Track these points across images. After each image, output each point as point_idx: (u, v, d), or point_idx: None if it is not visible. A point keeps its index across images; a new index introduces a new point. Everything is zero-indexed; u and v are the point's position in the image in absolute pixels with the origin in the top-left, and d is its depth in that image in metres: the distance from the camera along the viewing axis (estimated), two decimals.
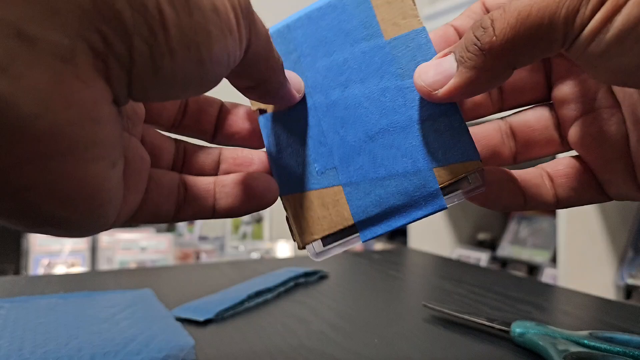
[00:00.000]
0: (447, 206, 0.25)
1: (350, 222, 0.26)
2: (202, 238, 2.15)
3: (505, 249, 1.62)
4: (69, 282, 0.57)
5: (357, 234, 0.26)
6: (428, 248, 1.70)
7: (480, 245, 1.75)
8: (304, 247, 0.27)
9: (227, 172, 0.28)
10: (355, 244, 0.26)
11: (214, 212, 0.27)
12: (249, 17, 0.21)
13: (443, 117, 0.25)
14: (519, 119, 0.29)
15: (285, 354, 0.36)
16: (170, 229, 2.15)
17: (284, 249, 2.09)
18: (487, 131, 0.29)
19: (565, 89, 0.27)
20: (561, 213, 1.20)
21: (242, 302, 0.46)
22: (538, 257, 1.51)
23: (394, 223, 0.25)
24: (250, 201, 0.26)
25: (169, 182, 0.26)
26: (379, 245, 2.06)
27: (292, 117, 0.28)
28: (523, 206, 0.27)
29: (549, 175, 0.27)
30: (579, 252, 1.20)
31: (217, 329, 0.41)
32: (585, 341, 0.33)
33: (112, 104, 0.18)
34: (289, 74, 0.27)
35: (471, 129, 0.28)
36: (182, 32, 0.18)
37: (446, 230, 1.79)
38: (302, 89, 0.28)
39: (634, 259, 1.23)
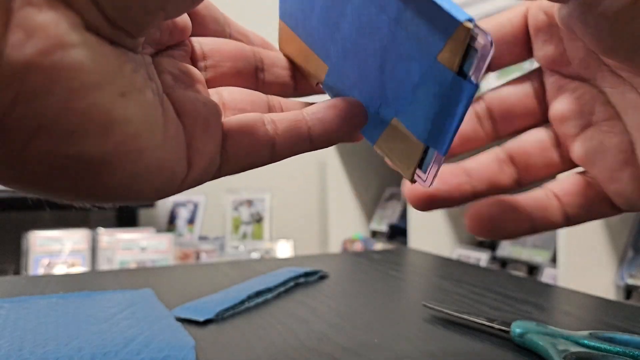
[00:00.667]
0: (475, 83, 0.22)
1: (422, 146, 0.25)
2: (202, 238, 2.15)
3: (505, 249, 1.62)
4: (69, 282, 0.57)
5: (435, 151, 0.25)
6: (428, 248, 1.70)
7: (480, 245, 1.75)
8: (414, 181, 0.26)
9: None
10: (440, 160, 0.25)
11: (311, 142, 0.25)
12: None
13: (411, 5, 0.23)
14: (515, 145, 0.28)
15: (286, 353, 0.36)
16: (170, 229, 2.15)
17: (284, 248, 2.10)
18: (484, 162, 0.28)
19: (561, 107, 0.27)
20: None
21: (242, 302, 0.46)
22: (538, 257, 1.51)
23: (450, 125, 0.23)
24: (344, 124, 0.25)
25: (253, 125, 0.24)
26: (379, 246, 2.06)
27: (338, 72, 0.27)
28: (530, 231, 0.27)
29: (556, 195, 0.27)
30: (579, 252, 1.20)
31: (217, 329, 0.41)
32: (585, 341, 0.33)
33: (84, 29, 0.17)
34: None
35: (467, 161, 0.28)
36: None
37: (446, 230, 1.79)
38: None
39: (634, 259, 1.23)
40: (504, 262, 1.61)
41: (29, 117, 0.16)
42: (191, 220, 2.19)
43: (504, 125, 0.28)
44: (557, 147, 0.28)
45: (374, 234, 2.21)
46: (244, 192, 2.18)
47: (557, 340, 0.34)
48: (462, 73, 0.22)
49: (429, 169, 0.25)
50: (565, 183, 0.27)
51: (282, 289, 0.52)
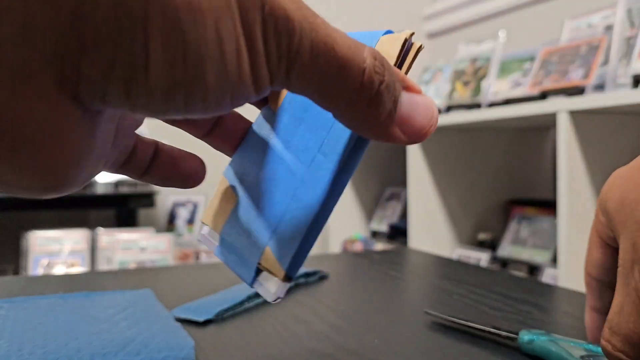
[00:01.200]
0: (252, 285, 0.25)
1: (219, 231, 0.27)
2: None
3: (506, 249, 1.62)
4: (68, 283, 0.57)
5: (216, 243, 0.27)
6: (428, 248, 1.70)
7: (481, 245, 1.75)
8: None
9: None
10: (210, 247, 0.28)
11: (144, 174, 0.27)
12: (283, 55, 0.18)
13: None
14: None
15: (285, 354, 0.36)
16: (170, 229, 2.15)
17: None
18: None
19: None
20: (562, 213, 1.20)
21: (241, 303, 0.46)
22: (538, 257, 1.51)
23: (225, 259, 0.27)
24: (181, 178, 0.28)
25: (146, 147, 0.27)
26: (379, 246, 2.06)
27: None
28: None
29: None
30: (579, 252, 1.20)
31: (216, 329, 0.41)
32: (599, 350, 0.33)
33: (80, 118, 0.17)
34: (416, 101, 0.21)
35: None
36: (167, 77, 0.16)
37: (446, 230, 1.79)
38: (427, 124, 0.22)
39: None
40: (504, 263, 1.60)
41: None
42: (191, 221, 2.19)
43: None
44: None
45: (374, 234, 2.21)
46: None
47: (568, 345, 0.34)
48: (258, 274, 0.25)
49: (208, 238, 0.28)
50: None
51: None
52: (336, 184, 0.23)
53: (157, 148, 0.27)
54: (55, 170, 0.18)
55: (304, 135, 0.25)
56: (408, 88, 0.21)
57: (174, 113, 0.17)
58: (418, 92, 0.21)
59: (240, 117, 0.28)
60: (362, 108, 0.19)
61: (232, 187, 0.27)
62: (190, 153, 0.28)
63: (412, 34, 0.23)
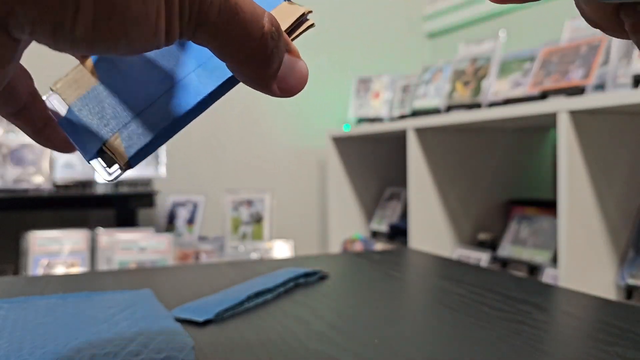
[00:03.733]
0: (89, 161, 0.26)
1: (69, 101, 0.27)
2: (202, 238, 2.15)
3: (506, 249, 1.62)
4: (68, 283, 0.57)
5: (62, 111, 0.28)
6: (428, 248, 1.70)
7: (481, 245, 1.75)
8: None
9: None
10: (56, 112, 0.28)
11: (39, 135, 0.28)
12: None
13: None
14: None
15: (285, 354, 0.36)
16: (170, 229, 2.15)
17: (284, 249, 2.09)
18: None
19: None
20: (562, 213, 1.20)
21: (241, 303, 0.46)
22: (539, 257, 1.51)
23: (68, 130, 0.27)
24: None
25: (26, 79, 0.27)
26: (379, 246, 2.06)
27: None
28: None
29: None
30: (579, 252, 1.20)
31: (216, 329, 0.41)
32: None
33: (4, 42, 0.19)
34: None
35: None
36: (93, 30, 0.18)
37: (446, 230, 1.79)
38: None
39: (635, 259, 1.23)
40: (504, 263, 1.61)
41: None
42: (191, 221, 2.19)
43: None
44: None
45: (374, 234, 2.21)
46: (244, 192, 2.18)
47: None
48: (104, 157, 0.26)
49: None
50: None
51: (281, 289, 0.52)
52: (201, 105, 0.26)
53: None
54: None
55: (185, 51, 0.27)
56: (291, 52, 0.24)
57: (92, 54, 0.21)
58: (298, 57, 0.25)
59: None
60: (254, 65, 0.23)
61: (96, 68, 0.28)
62: None
63: (310, 11, 0.26)
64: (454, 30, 2.37)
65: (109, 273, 0.64)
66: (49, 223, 1.98)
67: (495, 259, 1.63)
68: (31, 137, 0.29)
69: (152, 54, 0.27)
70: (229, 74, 0.25)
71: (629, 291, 1.22)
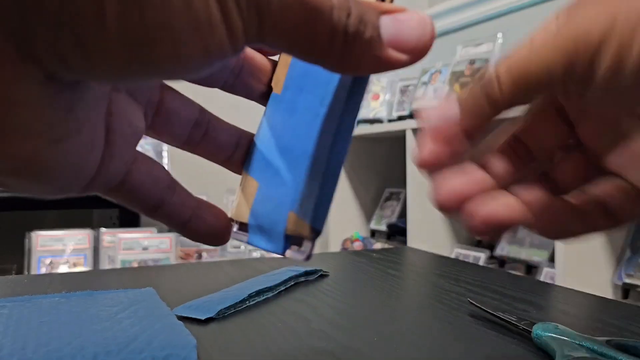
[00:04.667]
0: (283, 254, 0.25)
1: (246, 220, 0.27)
2: None
3: (504, 249, 1.63)
4: (71, 282, 0.57)
5: (246, 234, 0.27)
6: (427, 248, 1.70)
7: (479, 244, 1.75)
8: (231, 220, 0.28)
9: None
10: (242, 240, 0.27)
11: (184, 229, 0.26)
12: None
13: (324, 164, 0.24)
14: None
15: (286, 351, 0.36)
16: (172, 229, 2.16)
17: None
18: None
19: (590, 126, 0.25)
20: None
21: (243, 301, 0.47)
22: (536, 256, 1.51)
23: (257, 242, 0.27)
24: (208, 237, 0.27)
25: (159, 173, 0.25)
26: (378, 245, 2.06)
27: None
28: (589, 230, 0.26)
29: (598, 197, 0.26)
30: (576, 252, 1.20)
31: (218, 327, 0.41)
32: (595, 347, 0.33)
33: (42, 82, 0.17)
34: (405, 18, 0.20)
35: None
36: (126, 28, 0.15)
37: (445, 229, 1.79)
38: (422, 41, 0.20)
39: (632, 259, 1.23)
40: (502, 262, 1.61)
41: None
42: None
43: (536, 147, 0.26)
44: (588, 163, 0.27)
45: (374, 234, 2.22)
46: None
47: (568, 344, 0.34)
48: (289, 238, 0.25)
49: (236, 235, 0.28)
50: (607, 185, 0.25)
51: (282, 287, 0.52)
52: (341, 127, 0.24)
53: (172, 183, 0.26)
54: (25, 147, 0.18)
55: (306, 98, 0.26)
56: (387, 12, 0.20)
57: (142, 73, 0.16)
58: (400, 11, 0.20)
59: (229, 126, 0.28)
60: (339, 48, 0.19)
61: (252, 176, 0.28)
62: (211, 205, 0.28)
63: None
64: (452, 33, 2.37)
65: (112, 271, 0.64)
66: (52, 223, 1.98)
67: (493, 258, 1.64)
68: (177, 231, 0.27)
69: (282, 130, 0.26)
70: (336, 78, 0.24)
71: (626, 290, 1.22)
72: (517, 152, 0.26)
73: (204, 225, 0.27)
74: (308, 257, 0.25)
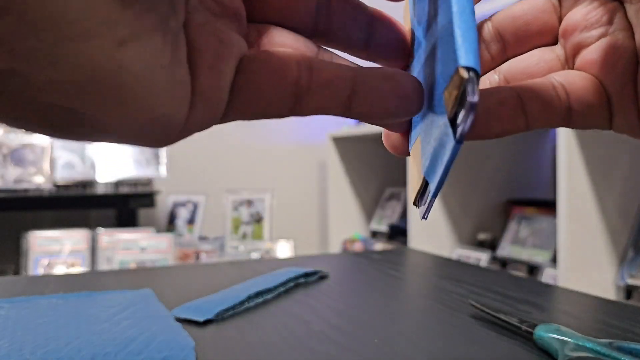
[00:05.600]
0: (459, 142, 0.19)
1: (423, 178, 0.23)
2: (202, 238, 2.15)
3: (505, 249, 1.63)
4: (69, 283, 0.57)
5: (428, 189, 0.23)
6: (428, 248, 1.70)
7: (480, 245, 1.75)
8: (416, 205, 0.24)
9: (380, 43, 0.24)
10: (431, 200, 0.23)
11: (349, 109, 0.21)
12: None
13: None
14: (515, 65, 0.26)
15: (286, 353, 0.36)
16: (170, 229, 2.16)
17: (284, 249, 2.10)
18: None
19: (580, 14, 0.24)
20: (561, 213, 1.20)
21: (242, 302, 0.46)
22: (538, 257, 1.51)
23: (439, 170, 0.21)
24: (396, 102, 0.21)
25: (279, 60, 0.21)
26: (379, 246, 2.06)
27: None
28: (524, 127, 0.23)
29: (564, 86, 0.23)
30: (579, 252, 1.20)
31: (217, 329, 0.41)
32: (598, 348, 0.33)
33: None
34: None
35: None
36: None
37: (446, 230, 1.79)
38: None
39: (635, 259, 1.23)
40: (504, 263, 1.61)
41: (3, 58, 0.15)
42: (191, 221, 2.19)
43: (515, 47, 0.26)
44: (563, 66, 0.26)
45: (374, 234, 2.21)
46: (244, 192, 2.18)
47: (570, 345, 0.34)
48: (453, 122, 0.19)
49: (424, 202, 0.23)
50: (576, 77, 0.24)
51: (282, 289, 0.52)
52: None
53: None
54: (87, 50, 0.16)
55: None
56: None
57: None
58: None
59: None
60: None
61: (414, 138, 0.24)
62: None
63: None
64: None
65: (110, 273, 0.64)
66: (50, 223, 1.98)
67: (494, 259, 1.64)
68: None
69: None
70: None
71: (629, 291, 1.22)
72: (489, 47, 0.25)
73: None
74: (423, 215, 0.22)
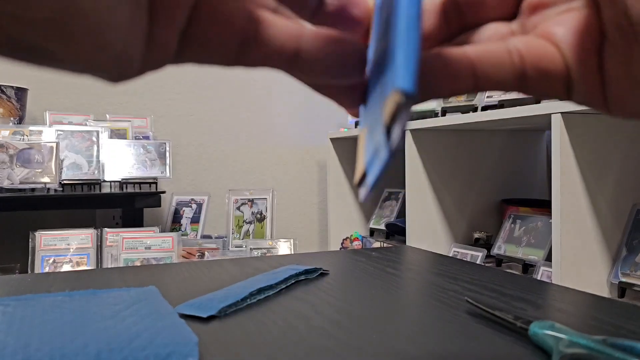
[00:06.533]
0: (391, 151, 0.20)
1: (363, 168, 0.23)
2: (206, 237, 2.15)
3: (501, 248, 1.63)
4: (74, 280, 0.58)
5: (367, 179, 0.22)
6: (425, 247, 1.70)
7: (476, 244, 1.76)
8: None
9: (334, 9, 0.23)
10: (364, 191, 0.22)
11: (292, 62, 0.22)
12: None
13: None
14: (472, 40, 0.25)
15: (287, 349, 0.36)
16: (175, 228, 2.16)
17: (285, 247, 2.10)
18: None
19: None
20: (556, 212, 1.20)
21: (244, 299, 0.47)
22: (533, 255, 1.51)
23: (376, 170, 0.21)
24: (339, 67, 0.22)
25: (228, 10, 0.21)
26: (377, 244, 2.07)
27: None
28: (473, 88, 0.23)
29: (519, 51, 0.23)
30: (573, 251, 1.20)
31: (219, 325, 0.42)
32: (592, 345, 0.33)
33: None
34: None
35: None
36: None
37: (442, 229, 1.80)
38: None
39: (628, 258, 1.23)
40: (499, 261, 1.61)
41: None
42: (195, 220, 2.20)
43: (472, 17, 0.25)
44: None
45: (373, 233, 2.22)
46: (247, 192, 2.19)
47: (564, 342, 0.34)
48: (388, 131, 0.20)
49: (364, 187, 0.23)
50: (535, 42, 0.23)
51: (283, 286, 0.53)
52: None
53: None
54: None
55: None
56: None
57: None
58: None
59: None
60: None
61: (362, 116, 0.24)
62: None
63: None
64: None
65: (115, 270, 0.64)
66: (56, 222, 1.99)
67: (490, 257, 1.64)
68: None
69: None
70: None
71: (622, 289, 1.23)
72: (447, 16, 0.25)
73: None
74: (362, 197, 0.22)
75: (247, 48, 0.21)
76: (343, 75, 0.22)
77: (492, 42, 0.24)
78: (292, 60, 0.22)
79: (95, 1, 0.17)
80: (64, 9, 0.17)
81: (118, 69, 0.19)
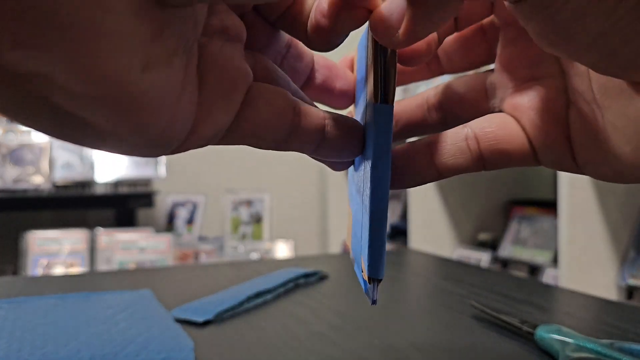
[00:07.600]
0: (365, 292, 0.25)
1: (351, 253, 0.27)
2: (202, 238, 2.15)
3: (506, 250, 1.63)
4: (67, 283, 0.57)
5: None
6: (428, 249, 1.70)
7: (481, 245, 1.75)
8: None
9: (321, 83, 0.28)
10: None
11: (316, 150, 0.24)
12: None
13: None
14: (447, 93, 0.29)
15: (285, 355, 0.36)
16: (169, 229, 2.16)
17: (283, 249, 2.10)
18: (409, 108, 0.29)
19: (510, 53, 0.26)
20: (562, 213, 1.20)
21: (241, 303, 0.46)
22: (539, 257, 1.51)
23: (358, 273, 0.26)
24: (350, 147, 0.24)
25: (282, 103, 0.22)
26: None
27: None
28: (437, 177, 0.25)
29: (476, 136, 0.25)
30: (580, 253, 1.20)
31: (216, 330, 0.41)
32: (599, 349, 0.33)
33: None
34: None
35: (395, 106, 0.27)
36: None
37: (447, 230, 1.80)
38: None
39: (636, 260, 1.23)
40: (505, 263, 1.61)
41: (42, 61, 0.15)
42: (190, 221, 2.19)
43: (452, 60, 0.30)
44: (491, 99, 0.28)
45: None
46: (244, 193, 2.18)
47: (571, 346, 0.34)
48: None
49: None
50: (490, 124, 0.25)
51: (281, 289, 0.52)
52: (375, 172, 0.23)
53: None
54: (111, 66, 0.16)
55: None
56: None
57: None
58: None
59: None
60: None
61: (350, 204, 0.28)
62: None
63: None
64: None
65: (109, 273, 0.64)
66: (48, 223, 1.98)
67: (495, 259, 1.64)
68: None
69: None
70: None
71: (630, 292, 1.22)
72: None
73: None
74: (372, 302, 0.25)
75: (289, 137, 0.23)
76: (352, 155, 0.25)
77: (452, 129, 0.25)
78: (316, 146, 0.23)
79: (151, 84, 0.17)
80: (120, 89, 0.17)
81: (158, 147, 0.20)
